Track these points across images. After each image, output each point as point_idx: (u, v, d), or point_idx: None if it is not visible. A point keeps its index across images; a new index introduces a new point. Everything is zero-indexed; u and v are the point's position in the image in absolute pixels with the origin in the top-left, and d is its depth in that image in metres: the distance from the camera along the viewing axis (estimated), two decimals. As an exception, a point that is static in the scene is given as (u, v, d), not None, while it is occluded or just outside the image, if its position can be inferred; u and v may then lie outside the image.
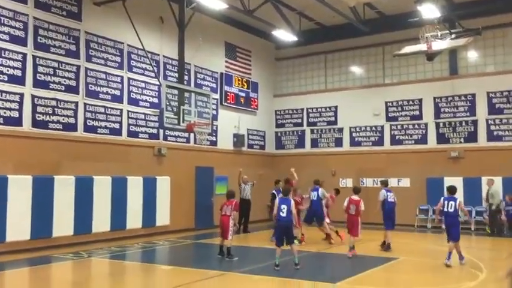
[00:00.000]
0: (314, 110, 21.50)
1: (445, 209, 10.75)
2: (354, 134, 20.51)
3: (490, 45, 18.23)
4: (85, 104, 14.13)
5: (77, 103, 13.89)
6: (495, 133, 17.76)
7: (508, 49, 17.96)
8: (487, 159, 17.42)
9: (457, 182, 17.79)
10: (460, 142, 18.32)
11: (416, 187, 18.59)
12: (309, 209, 14.27)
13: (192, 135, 16.87)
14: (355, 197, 11.90)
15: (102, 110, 14.61)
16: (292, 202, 10.21)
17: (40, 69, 13.03)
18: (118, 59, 15.20)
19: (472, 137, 18.14)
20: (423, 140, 19.04)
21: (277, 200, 10.48)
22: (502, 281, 5.41)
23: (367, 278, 9.40)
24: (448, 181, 17.90)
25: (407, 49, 14.89)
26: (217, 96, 18.85)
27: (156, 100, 16.14)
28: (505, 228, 16.35)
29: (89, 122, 14.21)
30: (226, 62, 19.76)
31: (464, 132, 18.31)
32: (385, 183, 13.32)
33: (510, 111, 17.54)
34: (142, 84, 15.95)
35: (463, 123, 18.34)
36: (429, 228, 18.03)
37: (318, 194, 14.14)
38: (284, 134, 22.18)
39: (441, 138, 18.71)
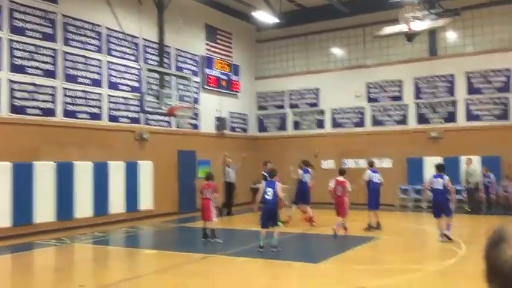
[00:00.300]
0: (296, 92, 21.52)
1: (434, 187, 11.01)
2: (335, 116, 20.62)
3: (468, 26, 18.39)
4: (64, 89, 13.90)
5: (55, 88, 13.67)
6: (474, 113, 18.04)
7: (486, 29, 18.15)
8: (466, 139, 17.71)
9: (437, 161, 18.13)
10: (440, 122, 18.58)
11: (397, 167, 18.84)
12: (299, 190, 14.24)
13: (173, 119, 16.77)
14: (341, 178, 12.05)
15: (82, 94, 14.40)
16: (279, 184, 10.20)
17: (16, 53, 12.74)
18: (96, 42, 14.95)
19: (451, 117, 18.40)
20: (404, 120, 19.26)
21: (263, 183, 10.48)
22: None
23: (348, 258, 9.57)
24: (428, 161, 18.26)
25: (388, 30, 14.93)
26: (198, 79, 18.71)
27: (136, 84, 15.96)
28: (483, 206, 16.74)
29: (68, 107, 14.01)
30: (207, 44, 19.58)
31: (444, 113, 18.55)
32: (371, 164, 13.44)
33: (488, 91, 17.81)
34: (122, 68, 15.74)
35: (443, 104, 18.57)
36: (410, 208, 18.34)
37: (309, 176, 14.27)
38: (266, 117, 22.20)
39: (421, 119, 18.93)
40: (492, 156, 17.16)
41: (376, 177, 12.83)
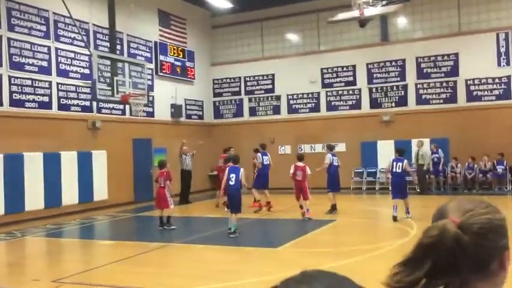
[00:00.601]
0: (251, 78, 21.50)
1: (394, 170, 11.55)
2: (291, 102, 20.77)
3: (418, 12, 18.87)
4: (10, 77, 13.30)
5: (0, 76, 13.05)
6: (423, 97, 18.61)
7: (434, 15, 18.67)
8: (416, 122, 18.28)
9: (389, 144, 18.66)
10: (391, 106, 19.06)
11: (351, 151, 19.23)
12: (262, 174, 14.22)
13: (127, 106, 16.39)
14: (300, 164, 12.29)
15: (29, 82, 13.83)
16: (242, 171, 10.19)
17: (-44, 39, 12.07)
18: (43, 28, 14.35)
19: (402, 101, 18.91)
20: (357, 105, 19.64)
21: (227, 169, 10.46)
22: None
23: (306, 241, 9.73)
24: (381, 144, 18.76)
25: (341, 16, 15.08)
26: (152, 66, 18.35)
27: (87, 71, 15.47)
28: (432, 186, 17.39)
29: (15, 96, 13.43)
30: (160, 30, 19.19)
31: (395, 97, 19.04)
32: (331, 148, 13.81)
33: (437, 76, 18.40)
34: (72, 55, 15.21)
35: (394, 88, 19.05)
36: (364, 190, 18.81)
37: (268, 158, 14.51)
38: (222, 103, 22.09)
39: (374, 103, 19.37)
40: (441, 139, 17.81)
41: (336, 161, 13.27)
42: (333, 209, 12.90)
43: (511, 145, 16.73)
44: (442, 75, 18.33)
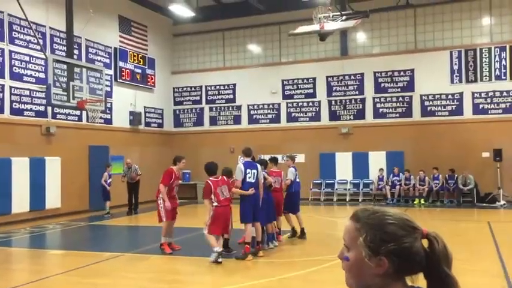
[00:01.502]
0: (213, 88, 21.46)
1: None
2: (252, 112, 20.85)
3: (376, 28, 19.41)
4: (-41, 79, 12.76)
5: (-52, 77, 12.50)
6: (380, 110, 19.08)
7: (392, 32, 19.25)
8: (373, 135, 18.71)
9: (347, 156, 19.03)
10: (350, 119, 19.44)
11: (310, 162, 19.45)
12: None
13: (84, 113, 16.02)
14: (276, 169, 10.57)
15: (-20, 85, 13.31)
16: (260, 168, 9.13)
17: None
18: (-3, 29, 13.87)
19: (360, 114, 19.32)
20: (317, 117, 19.91)
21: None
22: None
23: (264, 251, 9.68)
24: (339, 156, 19.08)
25: (302, 29, 15.32)
26: (111, 72, 18.04)
27: (42, 75, 15.03)
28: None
29: (-36, 99, 12.89)
30: (120, 36, 18.91)
31: (354, 110, 19.44)
32: (293, 159, 11.20)
33: (393, 90, 18.93)
34: (27, 58, 14.75)
35: (353, 101, 19.45)
36: (322, 201, 19.03)
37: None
38: (183, 112, 21.92)
39: (333, 116, 19.69)
40: (396, 152, 18.28)
41: (297, 176, 10.98)
42: (300, 233, 10.80)
43: (461, 159, 17.37)
44: (399, 90, 18.87)
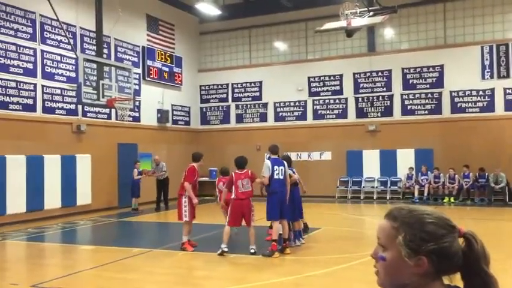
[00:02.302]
0: (239, 85, 21.52)
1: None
2: (278, 109, 20.83)
3: (404, 23, 19.12)
4: (-6, 78, 13.15)
5: (-16, 77, 12.90)
6: (408, 107, 18.80)
7: (420, 27, 18.93)
8: (401, 132, 18.46)
9: (374, 154, 18.84)
10: (377, 116, 19.22)
11: (337, 160, 19.33)
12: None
13: (113, 111, 16.29)
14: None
15: (14, 84, 13.68)
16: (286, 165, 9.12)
17: None
18: (30, 30, 14.23)
19: (388, 111, 19.08)
20: (343, 114, 19.76)
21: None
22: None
23: (290, 248, 9.68)
24: (367, 153, 18.92)
25: (328, 25, 15.22)
26: (139, 70, 18.29)
27: (73, 74, 15.35)
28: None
29: (-2, 98, 13.27)
30: (148, 35, 19.15)
31: (381, 107, 19.21)
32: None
33: (422, 87, 18.62)
34: (58, 58, 15.09)
35: (380, 98, 19.22)
36: (349, 199, 18.90)
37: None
38: (209, 110, 22.06)
39: (360, 113, 19.50)
40: (425, 149, 18.00)
41: (282, 173, 9.06)
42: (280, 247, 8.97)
43: (492, 156, 16.97)
44: (428, 86, 18.55)
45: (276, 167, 8.92)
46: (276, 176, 8.89)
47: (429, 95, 18.52)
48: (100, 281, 7.52)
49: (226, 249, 8.77)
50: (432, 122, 18.22)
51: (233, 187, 8.84)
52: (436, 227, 1.29)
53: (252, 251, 8.82)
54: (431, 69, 18.51)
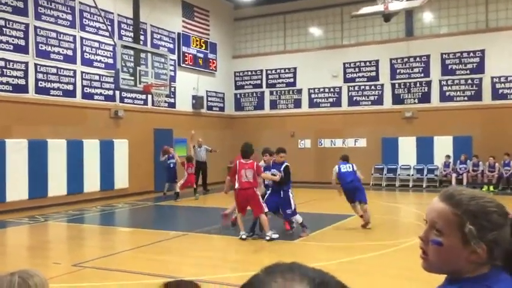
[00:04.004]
0: (273, 72, 21.46)
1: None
2: (312, 96, 20.69)
3: (444, 7, 18.56)
4: (36, 65, 13.57)
5: (27, 63, 13.32)
6: (447, 94, 18.33)
7: (461, 10, 18.34)
8: (439, 119, 18.03)
9: (411, 141, 18.51)
10: (414, 103, 18.83)
11: (372, 147, 19.09)
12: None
13: (149, 96, 16.56)
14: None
15: (54, 70, 14.08)
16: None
17: (-15, 27, 12.35)
18: (69, 17, 14.58)
19: (425, 97, 18.66)
20: (379, 100, 19.44)
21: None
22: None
23: (323, 235, 9.70)
24: (402, 140, 18.61)
25: (365, 10, 14.94)
26: (174, 57, 18.48)
27: (111, 61, 15.66)
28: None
29: (40, 84, 13.70)
30: (183, 22, 19.29)
31: (418, 93, 18.80)
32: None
33: (462, 72, 18.10)
34: (96, 44, 15.42)
35: (418, 84, 18.81)
36: (384, 186, 18.68)
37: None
38: (243, 96, 22.12)
39: (396, 99, 19.15)
40: (464, 136, 17.55)
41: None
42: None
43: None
44: (467, 72, 18.01)
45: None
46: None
47: (469, 81, 17.99)
48: (138, 262, 7.74)
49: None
50: (472, 108, 17.72)
51: (236, 176, 8.86)
52: (498, 216, 1.27)
53: (267, 238, 8.83)
54: (471, 54, 17.94)
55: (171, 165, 16.15)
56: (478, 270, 1.28)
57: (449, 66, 18.30)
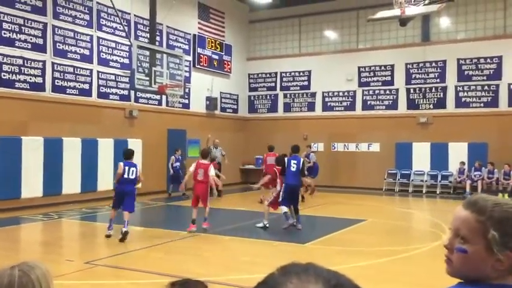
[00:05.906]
0: (287, 74, 21.46)
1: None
2: (326, 99, 20.64)
3: (462, 13, 18.40)
4: (53, 64, 13.74)
5: (44, 62, 13.50)
6: (463, 100, 18.16)
7: (479, 16, 18.16)
8: (454, 125, 17.86)
9: (425, 146, 18.35)
10: (429, 108, 18.69)
11: (385, 152, 18.97)
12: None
13: (164, 97, 16.67)
14: (204, 161, 10.41)
15: (71, 69, 14.25)
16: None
17: (5, 25, 12.54)
18: (87, 17, 14.74)
19: (440, 103, 18.50)
20: (394, 105, 19.33)
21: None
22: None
23: (334, 239, 9.68)
24: (417, 146, 18.46)
25: (381, 14, 14.87)
26: (190, 58, 18.58)
27: (126, 61, 15.80)
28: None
29: (57, 82, 13.86)
30: (199, 23, 19.39)
31: (434, 99, 18.65)
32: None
33: (478, 78, 17.91)
34: (113, 44, 15.57)
35: (433, 90, 18.66)
36: (397, 192, 18.55)
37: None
38: (257, 98, 22.14)
39: (411, 104, 19.02)
40: (480, 143, 17.35)
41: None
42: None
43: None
44: (484, 78, 17.83)
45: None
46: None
47: (485, 87, 17.80)
48: (149, 260, 7.78)
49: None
50: (488, 115, 17.52)
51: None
52: None
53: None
54: (488, 60, 17.76)
55: (177, 168, 16.27)
56: (502, 278, 1.26)
57: (466, 72, 18.12)
